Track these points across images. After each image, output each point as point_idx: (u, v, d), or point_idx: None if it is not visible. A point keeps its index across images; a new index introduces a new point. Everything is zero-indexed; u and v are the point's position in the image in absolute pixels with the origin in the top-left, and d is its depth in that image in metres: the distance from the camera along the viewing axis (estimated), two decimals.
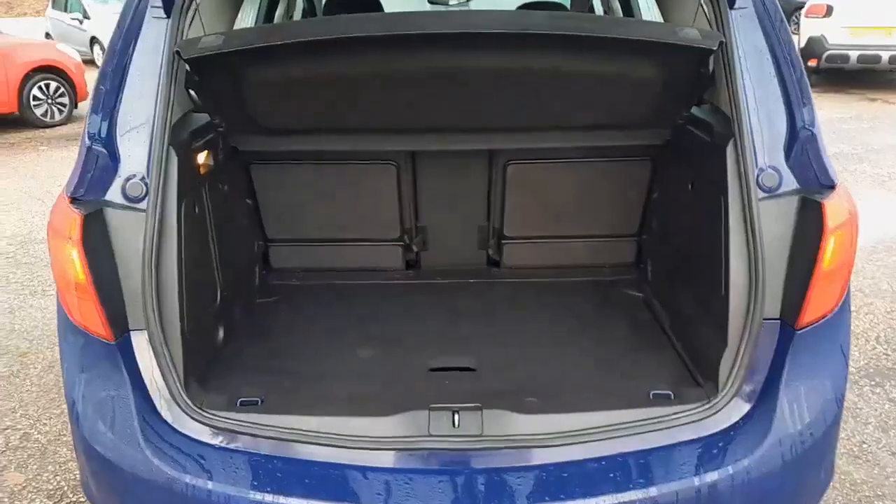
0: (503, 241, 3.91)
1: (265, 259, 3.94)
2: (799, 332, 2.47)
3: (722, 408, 2.48)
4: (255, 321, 3.39)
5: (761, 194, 2.43)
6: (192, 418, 2.47)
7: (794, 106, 2.55)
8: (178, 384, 2.49)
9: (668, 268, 3.38)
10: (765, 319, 2.48)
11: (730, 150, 2.56)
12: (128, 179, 2.49)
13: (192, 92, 2.87)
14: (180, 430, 2.46)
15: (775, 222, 2.48)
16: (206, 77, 2.77)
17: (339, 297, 3.67)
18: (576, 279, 3.82)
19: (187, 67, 2.71)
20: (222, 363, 2.96)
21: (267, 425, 2.48)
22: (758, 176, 2.48)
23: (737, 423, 2.47)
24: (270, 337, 3.24)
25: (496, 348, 3.09)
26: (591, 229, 3.86)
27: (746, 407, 2.49)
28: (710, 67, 2.79)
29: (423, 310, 3.49)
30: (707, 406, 2.50)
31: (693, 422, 2.47)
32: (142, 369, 2.49)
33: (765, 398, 2.49)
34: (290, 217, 3.80)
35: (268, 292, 3.72)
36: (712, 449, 2.44)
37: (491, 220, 3.90)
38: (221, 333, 3.07)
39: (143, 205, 2.47)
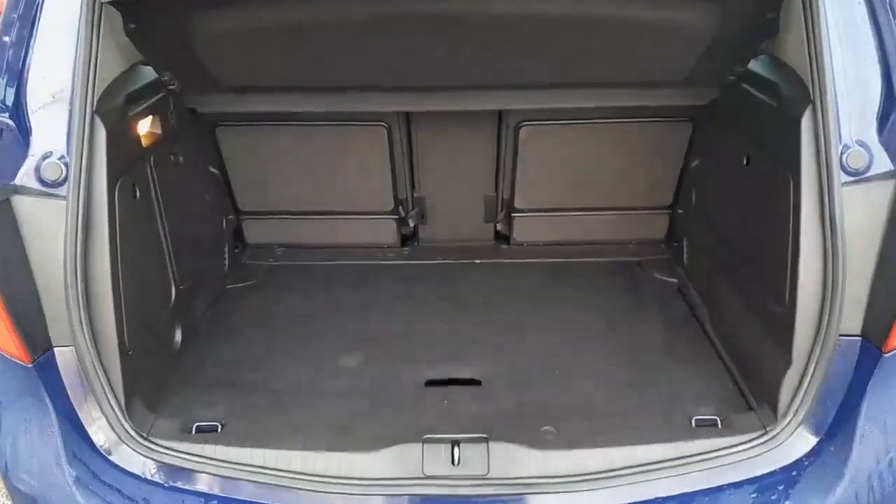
0: (514, 214, 3.39)
1: (238, 235, 3.43)
2: (887, 354, 1.98)
3: (783, 441, 2.05)
4: (223, 316, 2.91)
5: (845, 178, 1.97)
6: (135, 451, 2.05)
7: (891, 65, 1.99)
8: (116, 409, 2.05)
9: (710, 252, 2.86)
10: (841, 336, 2.01)
11: (806, 120, 2.01)
12: (43, 158, 1.97)
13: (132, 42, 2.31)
14: (120, 465, 2.05)
15: (862, 213, 1.96)
16: (141, 24, 2.21)
17: (323, 281, 3.18)
18: (598, 259, 3.31)
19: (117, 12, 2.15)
20: (179, 375, 2.50)
21: (225, 461, 2.05)
22: (842, 154, 1.96)
23: (800, 459, 2.04)
24: (239, 336, 2.76)
25: (505, 354, 2.61)
26: (616, 201, 3.33)
27: (813, 440, 2.05)
28: (779, 11, 2.20)
29: (421, 300, 3.00)
30: (764, 438, 2.07)
31: (747, 459, 2.03)
32: (70, 394, 2.06)
33: (837, 431, 2.05)
34: (266, 186, 3.28)
35: (241, 276, 3.23)
36: (770, 493, 2.01)
37: (499, 189, 3.37)
38: (179, 336, 2.59)
39: (62, 190, 1.96)
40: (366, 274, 3.24)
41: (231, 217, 3.28)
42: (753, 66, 2.47)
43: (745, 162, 2.49)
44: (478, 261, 3.35)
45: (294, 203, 3.35)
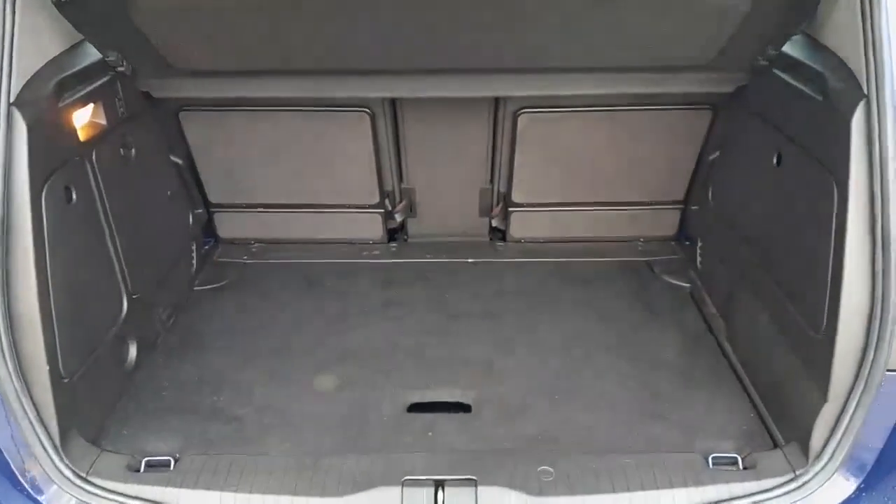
0: (511, 209, 3.09)
1: (209, 230, 3.13)
2: None
3: (816, 488, 1.81)
4: (187, 326, 2.61)
5: None
6: (70, 494, 1.83)
7: None
8: (47, 446, 1.83)
9: (728, 257, 2.56)
10: (889, 371, 1.75)
11: (858, 118, 1.72)
12: None
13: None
14: None
15: None
16: None
17: (301, 283, 2.88)
18: (602, 259, 3.01)
19: None
20: (131, 399, 2.22)
21: None
22: None
23: None
24: (203, 351, 2.47)
25: (499, 373, 2.33)
26: (623, 195, 3.03)
27: (849, 488, 1.82)
28: None
29: (407, 308, 2.70)
30: (793, 483, 1.84)
31: None
32: None
33: (878, 479, 1.82)
34: (239, 175, 2.96)
35: (211, 276, 2.93)
36: None
37: (496, 181, 3.06)
38: (133, 353, 2.30)
39: None
40: (348, 275, 2.94)
41: (199, 211, 2.98)
42: (790, 49, 2.16)
43: (775, 160, 2.18)
44: (470, 260, 3.06)
45: (270, 195, 3.05)
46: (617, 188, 3.01)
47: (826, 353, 1.81)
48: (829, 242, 1.82)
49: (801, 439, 1.88)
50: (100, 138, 2.15)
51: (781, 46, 2.16)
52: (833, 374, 1.79)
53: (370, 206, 3.08)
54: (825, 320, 1.82)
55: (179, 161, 2.81)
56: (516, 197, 3.05)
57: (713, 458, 1.92)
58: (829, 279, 1.81)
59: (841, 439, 1.79)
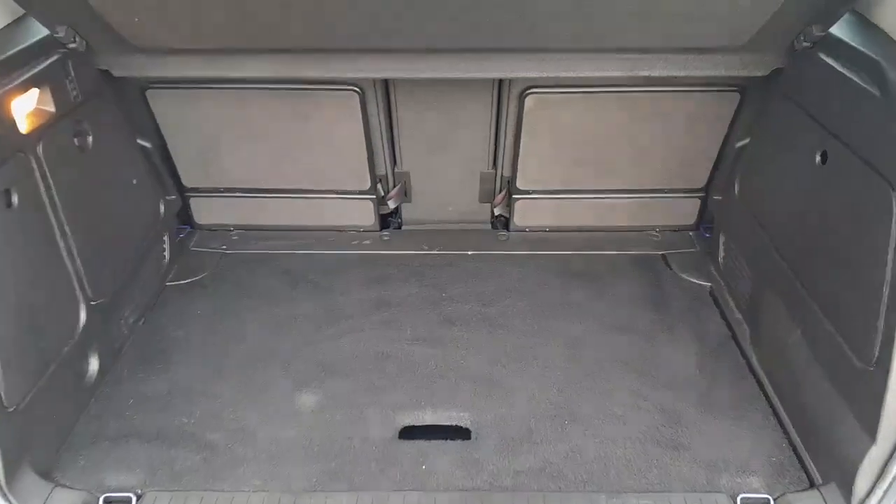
0: (515, 196, 2.83)
1: (185, 217, 2.87)
2: None
3: None
4: (156, 331, 2.37)
5: None
6: None
7: None
8: None
9: (756, 257, 2.31)
10: None
11: None
12: None
13: None
14: None
15: None
16: None
17: (283, 279, 2.63)
18: (614, 252, 2.77)
19: None
20: (90, 420, 1.99)
21: None
22: None
23: None
24: (173, 360, 2.23)
25: (502, 391, 2.10)
26: (638, 182, 2.77)
27: None
28: None
29: (399, 310, 2.46)
30: None
31: None
32: None
33: None
34: (216, 157, 2.69)
35: (186, 268, 2.68)
36: None
37: (498, 166, 2.79)
38: (94, 366, 2.07)
39: None
40: (335, 269, 2.70)
41: (172, 197, 2.71)
42: (837, 29, 1.87)
43: (818, 158, 1.92)
44: (470, 252, 2.81)
45: (251, 178, 2.78)
46: (631, 174, 2.75)
47: (876, 388, 1.58)
48: (883, 261, 1.57)
49: (842, 481, 1.67)
50: (47, 128, 1.88)
51: (829, 27, 1.88)
52: (884, 412, 1.58)
53: (361, 192, 2.82)
54: (877, 352, 1.59)
55: (148, 144, 2.53)
56: (521, 183, 2.79)
57: (741, 499, 1.72)
58: (883, 305, 1.57)
59: (889, 487, 1.58)
